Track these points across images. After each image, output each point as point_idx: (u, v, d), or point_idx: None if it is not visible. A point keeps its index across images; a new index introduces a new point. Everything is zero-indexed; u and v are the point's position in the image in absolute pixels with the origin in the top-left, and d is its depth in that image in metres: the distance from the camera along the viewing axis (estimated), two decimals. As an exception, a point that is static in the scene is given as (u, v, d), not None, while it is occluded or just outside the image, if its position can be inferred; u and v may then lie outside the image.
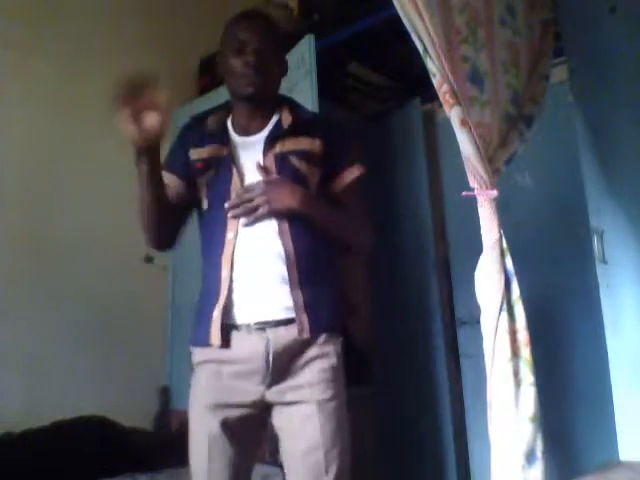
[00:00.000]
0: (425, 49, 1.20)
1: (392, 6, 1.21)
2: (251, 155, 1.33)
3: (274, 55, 1.37)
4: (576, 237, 2.09)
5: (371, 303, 3.11)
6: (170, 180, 1.40)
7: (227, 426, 1.24)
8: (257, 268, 1.26)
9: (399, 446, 2.80)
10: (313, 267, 1.28)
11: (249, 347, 1.24)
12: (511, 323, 1.16)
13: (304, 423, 1.22)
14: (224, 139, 1.37)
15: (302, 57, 2.34)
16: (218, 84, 2.89)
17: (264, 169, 1.30)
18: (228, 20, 1.45)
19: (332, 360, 1.26)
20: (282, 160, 1.31)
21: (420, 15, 1.17)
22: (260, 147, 1.33)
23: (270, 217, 1.27)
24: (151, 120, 1.22)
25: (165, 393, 2.73)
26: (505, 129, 1.35)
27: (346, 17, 2.53)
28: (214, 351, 1.27)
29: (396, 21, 1.24)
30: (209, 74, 3.03)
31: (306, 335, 1.23)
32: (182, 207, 1.42)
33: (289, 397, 1.24)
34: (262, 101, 1.37)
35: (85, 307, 2.48)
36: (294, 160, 1.31)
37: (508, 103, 1.40)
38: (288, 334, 1.24)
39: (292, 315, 1.24)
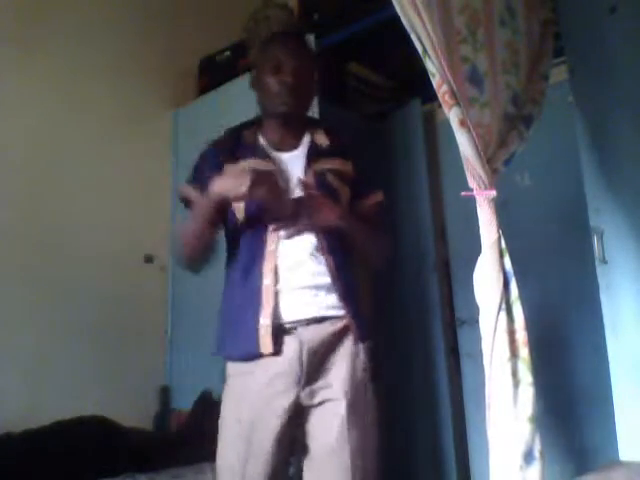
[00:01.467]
0: (424, 49, 1.20)
1: (392, 6, 1.21)
2: (290, 171, 1.38)
3: (309, 76, 1.43)
4: (576, 237, 2.09)
5: (371, 303, 3.11)
6: (197, 197, 1.42)
7: (268, 433, 1.25)
8: (298, 279, 1.31)
9: (399, 446, 2.80)
10: (350, 281, 1.36)
11: (285, 350, 1.28)
12: (510, 323, 1.16)
13: (333, 422, 1.26)
14: (262, 153, 1.40)
15: (302, 57, 2.34)
16: (218, 84, 2.90)
17: (307, 185, 1.34)
18: (266, 38, 1.52)
19: (362, 360, 1.32)
20: (320, 177, 1.38)
21: (419, 15, 1.17)
22: (299, 163, 1.39)
23: (311, 231, 1.33)
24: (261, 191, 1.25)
25: (165, 393, 2.73)
26: (504, 129, 1.35)
27: (346, 17, 2.54)
28: (257, 362, 1.29)
29: (396, 21, 1.24)
30: (209, 74, 3.03)
31: (360, 343, 1.32)
32: (217, 225, 1.43)
33: (317, 399, 1.28)
34: (294, 119, 1.43)
35: (85, 307, 2.48)
36: (330, 178, 1.39)
37: (508, 103, 1.40)
38: (321, 333, 1.29)
39: (327, 314, 1.30)
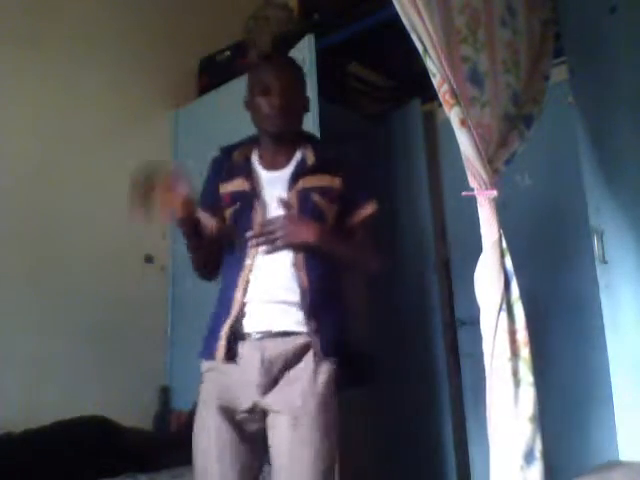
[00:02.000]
0: (425, 49, 1.20)
1: (392, 6, 1.21)
2: (275, 190, 1.42)
3: (297, 96, 1.47)
4: (576, 237, 2.09)
5: (371, 303, 3.11)
6: (206, 218, 1.50)
7: (237, 427, 1.33)
8: (269, 293, 1.37)
9: (399, 446, 2.80)
10: (321, 298, 1.37)
11: (247, 356, 1.35)
12: (510, 323, 1.16)
13: (290, 431, 1.29)
14: (249, 173, 1.46)
15: (302, 57, 2.34)
16: (218, 84, 2.90)
17: (286, 204, 1.39)
18: (255, 60, 1.60)
19: (324, 375, 1.34)
20: (304, 196, 1.41)
21: (420, 15, 1.17)
22: (285, 183, 1.43)
23: (287, 249, 1.36)
24: (175, 199, 1.37)
25: (165, 393, 2.73)
26: (505, 129, 1.35)
27: (346, 17, 2.53)
28: (219, 362, 1.40)
29: (396, 21, 1.24)
30: (209, 74, 3.03)
31: (319, 358, 1.33)
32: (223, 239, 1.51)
33: (279, 406, 1.31)
34: (286, 138, 1.47)
35: (85, 307, 2.48)
36: (315, 196, 1.41)
37: (508, 103, 1.40)
38: (284, 346, 1.34)
39: (292, 329, 1.34)
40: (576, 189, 1.84)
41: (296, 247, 1.37)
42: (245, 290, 1.37)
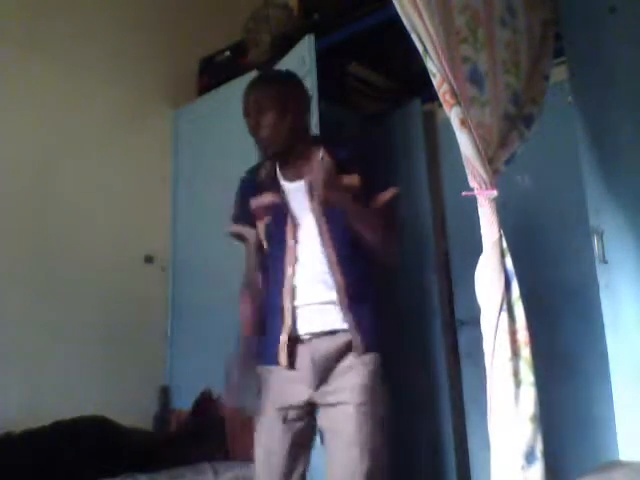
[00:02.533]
0: (425, 49, 1.20)
1: (392, 6, 1.21)
2: (299, 200, 1.50)
3: (274, 112, 1.49)
4: (576, 237, 2.09)
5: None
6: (249, 232, 1.60)
7: (286, 423, 1.45)
8: (312, 296, 1.47)
9: (398, 446, 2.80)
10: (357, 297, 1.46)
11: (300, 357, 1.46)
12: (511, 323, 1.16)
13: (345, 422, 1.39)
14: (277, 187, 1.54)
15: (302, 57, 2.34)
16: (218, 84, 2.90)
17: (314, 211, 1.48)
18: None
19: (369, 367, 1.43)
20: (327, 200, 1.44)
21: (420, 15, 1.17)
22: (302, 193, 1.50)
23: (322, 254, 1.46)
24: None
25: (165, 393, 2.73)
26: (505, 129, 1.35)
27: (346, 17, 2.53)
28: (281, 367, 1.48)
29: (396, 21, 1.24)
30: (209, 74, 3.03)
31: (360, 352, 1.42)
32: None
33: (331, 399, 1.41)
34: (287, 153, 1.53)
35: (85, 307, 2.48)
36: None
37: (508, 103, 1.40)
38: (329, 343, 1.44)
39: (336, 327, 1.44)
40: (576, 189, 1.84)
41: (330, 252, 1.46)
42: (293, 297, 1.46)
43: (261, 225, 1.56)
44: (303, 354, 1.45)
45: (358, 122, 3.11)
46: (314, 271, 1.47)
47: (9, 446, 1.96)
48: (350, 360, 1.43)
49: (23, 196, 2.38)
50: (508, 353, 1.14)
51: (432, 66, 1.21)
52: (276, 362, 1.47)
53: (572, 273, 2.25)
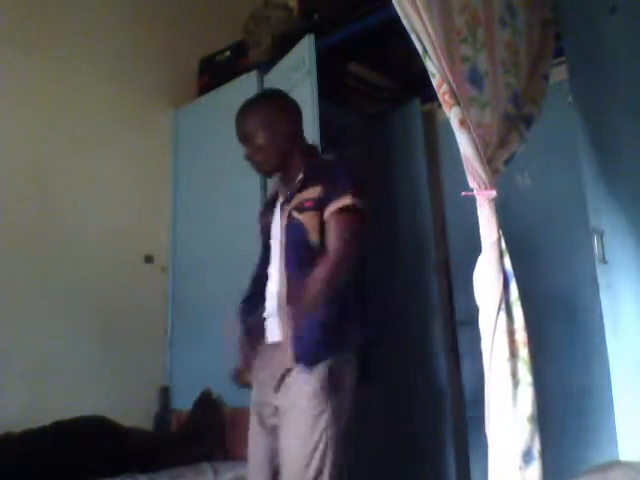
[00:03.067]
0: (425, 49, 1.20)
1: (392, 6, 1.21)
2: (280, 215, 1.59)
3: (260, 135, 1.55)
4: (576, 237, 2.09)
5: (371, 303, 3.11)
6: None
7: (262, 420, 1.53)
8: (269, 306, 1.55)
9: (398, 446, 2.80)
10: (297, 306, 1.44)
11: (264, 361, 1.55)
12: (509, 323, 1.16)
13: (290, 427, 1.42)
14: (270, 208, 1.66)
15: (302, 57, 2.34)
16: (218, 84, 2.90)
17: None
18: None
19: (311, 385, 1.41)
20: (289, 216, 1.53)
21: (420, 15, 1.17)
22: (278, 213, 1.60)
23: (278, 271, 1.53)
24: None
25: (165, 393, 2.73)
26: (505, 129, 1.35)
27: (346, 17, 2.53)
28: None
29: (396, 21, 1.24)
30: (209, 74, 3.03)
31: (289, 365, 1.44)
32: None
33: (283, 404, 1.46)
34: (282, 169, 1.60)
35: (85, 307, 2.48)
36: (294, 213, 1.52)
37: (508, 103, 1.40)
38: (277, 354, 1.48)
39: (278, 339, 1.50)
40: (576, 189, 1.84)
41: (284, 259, 1.53)
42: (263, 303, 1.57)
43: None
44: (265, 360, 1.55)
45: (358, 122, 3.11)
46: (273, 284, 1.55)
47: (9, 446, 1.96)
48: (292, 377, 1.44)
49: (22, 196, 2.38)
50: (506, 353, 1.14)
51: (432, 66, 1.21)
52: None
53: (572, 273, 2.25)
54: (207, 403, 2.46)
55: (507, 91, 1.41)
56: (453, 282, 2.74)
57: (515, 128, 1.39)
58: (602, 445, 2.01)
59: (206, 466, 2.18)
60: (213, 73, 3.00)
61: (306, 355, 1.42)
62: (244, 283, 1.68)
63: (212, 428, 2.39)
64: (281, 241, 1.55)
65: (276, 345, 1.50)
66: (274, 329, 1.52)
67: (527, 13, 1.61)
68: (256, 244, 1.73)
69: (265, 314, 1.56)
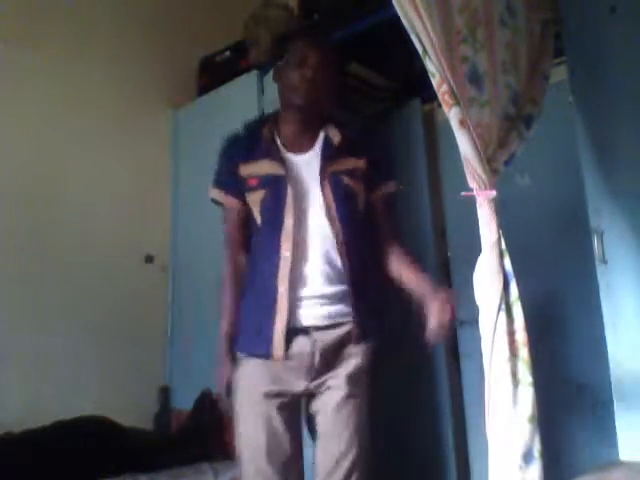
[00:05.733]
0: (424, 49, 1.20)
1: (392, 6, 1.21)
2: (305, 174, 1.42)
3: (330, 73, 1.46)
4: (576, 237, 2.08)
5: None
6: (231, 203, 1.48)
7: (282, 410, 1.38)
8: (315, 285, 1.39)
9: (399, 446, 2.80)
10: (363, 279, 1.42)
11: (298, 348, 1.38)
12: (509, 323, 1.16)
13: (336, 408, 1.39)
14: (276, 156, 1.43)
15: (302, 57, 2.34)
16: (218, 84, 2.90)
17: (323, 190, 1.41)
18: (293, 36, 1.56)
19: (367, 357, 1.43)
20: (335, 180, 1.42)
21: (419, 15, 1.17)
22: (314, 166, 1.42)
23: (327, 238, 1.39)
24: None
25: (165, 393, 2.73)
26: (504, 129, 1.35)
27: (346, 17, 2.53)
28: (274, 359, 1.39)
29: (396, 21, 1.24)
30: (209, 74, 3.03)
31: (360, 341, 1.41)
32: (246, 225, 1.51)
33: (324, 387, 1.40)
34: (311, 116, 1.46)
35: (85, 307, 2.48)
36: (346, 179, 1.43)
37: (507, 103, 1.40)
38: (332, 336, 1.39)
39: (339, 320, 1.40)
40: (576, 189, 1.84)
41: (337, 234, 1.40)
42: (291, 284, 1.36)
43: (254, 198, 1.43)
44: (301, 346, 1.38)
45: (358, 122, 3.11)
46: (316, 255, 1.38)
47: (9, 446, 1.96)
48: (349, 349, 1.42)
49: (22, 196, 2.38)
50: (506, 353, 1.14)
51: (431, 66, 1.21)
52: (265, 353, 1.38)
53: (572, 273, 2.25)
54: (207, 403, 2.46)
55: (507, 91, 1.41)
56: (453, 282, 2.74)
57: (515, 128, 1.39)
58: (602, 445, 2.01)
59: (206, 466, 2.18)
60: (213, 73, 3.00)
61: (372, 330, 1.44)
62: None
63: (212, 428, 2.38)
64: (327, 205, 1.38)
65: (323, 328, 1.39)
66: (325, 309, 1.39)
67: (527, 13, 1.61)
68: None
69: (298, 291, 1.37)
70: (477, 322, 1.20)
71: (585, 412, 2.19)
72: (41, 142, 2.48)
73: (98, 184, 2.63)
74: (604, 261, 1.71)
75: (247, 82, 2.67)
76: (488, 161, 1.24)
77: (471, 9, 1.33)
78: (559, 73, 1.89)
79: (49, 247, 2.43)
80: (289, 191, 1.39)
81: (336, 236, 1.39)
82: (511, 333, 1.15)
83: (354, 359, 1.42)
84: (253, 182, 1.42)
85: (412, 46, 1.23)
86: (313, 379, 1.40)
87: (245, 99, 2.64)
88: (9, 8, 2.43)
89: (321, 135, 1.47)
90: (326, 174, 1.41)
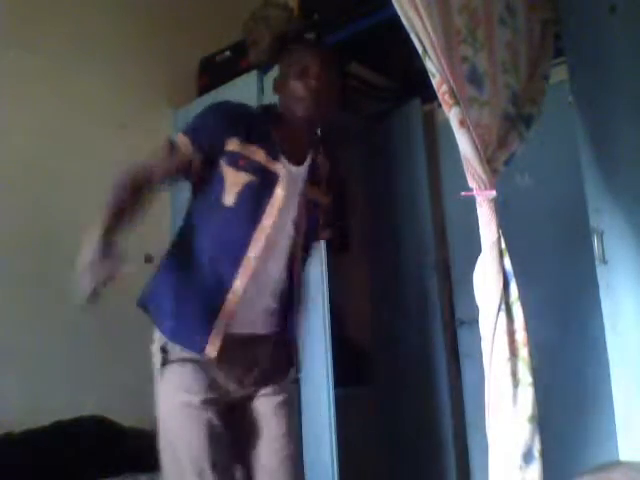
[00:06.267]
0: (424, 49, 1.20)
1: (392, 6, 1.21)
2: (293, 185, 1.39)
3: (333, 83, 1.43)
4: (576, 237, 2.08)
5: (371, 303, 3.11)
6: (190, 154, 1.33)
7: (221, 415, 1.31)
8: (264, 292, 1.38)
9: (398, 446, 2.81)
10: (298, 295, 1.46)
11: (235, 353, 1.33)
12: (509, 323, 1.16)
13: (279, 409, 1.40)
14: (275, 154, 1.38)
15: (302, 57, 2.34)
16: (218, 84, 2.90)
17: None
18: (294, 43, 1.55)
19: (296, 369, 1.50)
20: (311, 205, 1.45)
21: (419, 15, 1.17)
22: (299, 183, 1.42)
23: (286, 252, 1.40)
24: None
25: (165, 393, 2.72)
26: (504, 129, 1.35)
27: (346, 17, 2.53)
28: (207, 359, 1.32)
29: (396, 21, 1.24)
30: (209, 74, 3.03)
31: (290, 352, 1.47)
32: (173, 178, 1.43)
33: (264, 391, 1.41)
34: (310, 128, 1.47)
35: (85, 307, 2.48)
36: (317, 209, 1.47)
37: (507, 103, 1.40)
38: (269, 344, 1.41)
39: (274, 330, 1.42)
40: (576, 189, 1.84)
41: (295, 252, 1.43)
42: (246, 287, 1.31)
43: (237, 177, 1.33)
44: (238, 351, 1.34)
45: (358, 122, 3.11)
46: (276, 267, 1.38)
47: (9, 446, 1.96)
48: (285, 359, 1.47)
49: (21, 196, 2.38)
50: (506, 353, 1.14)
51: (431, 66, 1.21)
52: (198, 352, 1.30)
53: (572, 273, 2.25)
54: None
55: (507, 91, 1.41)
56: (453, 282, 2.74)
57: (515, 128, 1.39)
58: (602, 445, 2.01)
59: (206, 466, 2.18)
60: (213, 73, 3.00)
61: (295, 340, 1.49)
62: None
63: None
64: (296, 222, 1.39)
65: (261, 336, 1.39)
66: (266, 319, 1.39)
67: (527, 13, 1.61)
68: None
69: (246, 295, 1.32)
70: (477, 322, 1.20)
71: (585, 412, 2.19)
72: (41, 142, 2.48)
73: (97, 184, 2.62)
74: (604, 261, 1.71)
75: (247, 82, 2.68)
76: (488, 161, 1.24)
77: (471, 9, 1.33)
78: (559, 73, 1.89)
79: (49, 247, 2.43)
80: (279, 191, 1.35)
81: (293, 255, 1.41)
82: (511, 333, 1.15)
83: (291, 368, 1.48)
84: (242, 162, 1.33)
85: (412, 46, 1.23)
86: (252, 385, 1.39)
87: (245, 99, 2.63)
88: (10, 9, 2.43)
89: (310, 153, 1.46)
90: (306, 196, 1.43)
